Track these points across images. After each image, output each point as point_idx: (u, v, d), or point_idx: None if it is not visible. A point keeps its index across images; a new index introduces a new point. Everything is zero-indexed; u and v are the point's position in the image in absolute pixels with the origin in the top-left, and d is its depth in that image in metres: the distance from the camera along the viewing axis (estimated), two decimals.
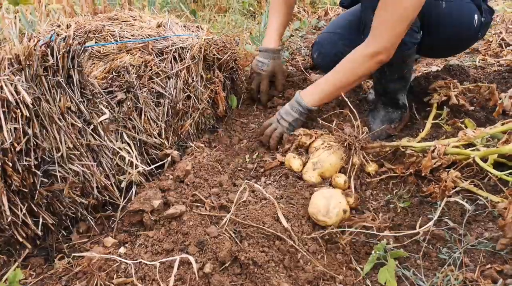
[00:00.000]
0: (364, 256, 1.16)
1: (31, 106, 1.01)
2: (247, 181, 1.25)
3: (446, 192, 1.22)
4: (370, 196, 1.38)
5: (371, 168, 1.40)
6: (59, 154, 1.08)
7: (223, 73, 1.77)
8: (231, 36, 2.29)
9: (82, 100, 1.18)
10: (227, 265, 1.02)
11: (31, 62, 1.05)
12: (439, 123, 1.65)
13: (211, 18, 3.72)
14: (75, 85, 1.16)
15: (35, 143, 1.03)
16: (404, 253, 1.13)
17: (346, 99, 1.49)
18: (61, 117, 1.11)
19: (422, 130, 1.61)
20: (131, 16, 1.86)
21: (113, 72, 1.42)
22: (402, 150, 1.38)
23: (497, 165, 1.29)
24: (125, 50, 1.60)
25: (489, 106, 1.72)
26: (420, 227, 1.19)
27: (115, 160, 1.20)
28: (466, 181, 1.29)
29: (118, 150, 1.20)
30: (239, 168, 1.49)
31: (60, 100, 1.11)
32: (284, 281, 1.02)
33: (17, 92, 1.00)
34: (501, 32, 2.79)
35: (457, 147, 1.24)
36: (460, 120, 1.49)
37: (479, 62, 2.42)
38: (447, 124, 1.61)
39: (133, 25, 1.77)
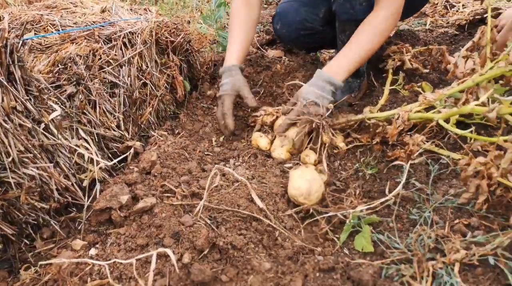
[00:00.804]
0: (339, 225, 1.18)
1: None
2: (216, 165, 1.22)
3: (411, 156, 1.26)
4: (339, 166, 1.39)
5: (339, 141, 1.41)
6: (10, 159, 0.99)
7: (178, 57, 1.70)
8: (182, 16, 2.20)
9: (28, 98, 1.09)
10: (206, 252, 1.00)
11: None
12: (396, 88, 1.69)
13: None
14: (18, 82, 1.07)
15: None
16: (377, 218, 1.15)
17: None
18: (6, 119, 1.01)
19: (381, 97, 1.64)
20: (71, 3, 1.73)
21: (59, 65, 1.32)
22: (368, 121, 1.39)
23: (456, 124, 1.34)
24: (69, 40, 1.49)
25: (441, 67, 1.77)
26: (389, 191, 1.23)
27: (73, 158, 1.12)
28: (427, 142, 1.33)
29: (75, 147, 1.12)
30: (206, 152, 1.45)
31: (3, 100, 1.01)
32: (265, 261, 1.02)
33: None
34: None
35: (419, 111, 1.27)
36: (417, 84, 1.53)
37: (429, 25, 2.48)
38: (404, 89, 1.65)
39: (74, 13, 1.65)
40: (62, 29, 1.53)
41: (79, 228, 1.11)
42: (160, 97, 1.58)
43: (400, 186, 1.18)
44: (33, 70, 1.24)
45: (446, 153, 1.27)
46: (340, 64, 1.46)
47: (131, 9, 1.74)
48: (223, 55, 2.09)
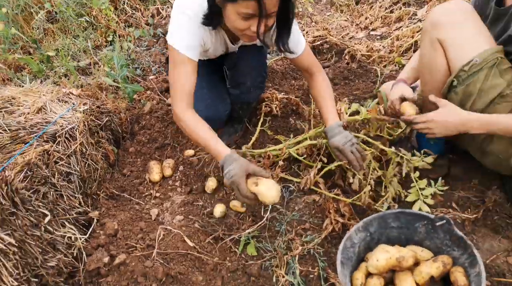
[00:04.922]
0: (238, 241, 1.99)
1: None
2: (161, 226, 1.93)
3: None
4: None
5: None
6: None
7: (105, 132, 2.26)
8: (95, 85, 2.65)
9: (21, 210, 1.63)
10: (164, 280, 1.74)
11: None
12: (264, 129, 2.50)
13: (56, 38, 3.67)
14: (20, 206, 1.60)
15: None
16: (258, 232, 1.99)
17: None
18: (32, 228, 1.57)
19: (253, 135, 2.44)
20: (6, 101, 2.12)
21: (28, 171, 1.82)
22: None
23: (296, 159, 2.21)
24: (19, 140, 1.96)
25: (298, 111, 2.63)
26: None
27: (65, 242, 1.72)
28: (284, 172, 2.20)
29: (64, 234, 1.72)
30: (146, 201, 2.13)
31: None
32: (199, 275, 1.80)
33: None
34: None
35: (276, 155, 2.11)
36: (276, 135, 2.35)
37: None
38: (270, 131, 2.47)
39: (13, 113, 2.07)
40: (8, 130, 1.98)
41: (79, 283, 1.74)
42: (100, 169, 2.16)
43: (268, 210, 2.04)
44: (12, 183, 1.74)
45: (294, 179, 2.15)
46: (334, 114, 1.99)
47: (58, 99, 2.20)
48: (134, 112, 2.66)
